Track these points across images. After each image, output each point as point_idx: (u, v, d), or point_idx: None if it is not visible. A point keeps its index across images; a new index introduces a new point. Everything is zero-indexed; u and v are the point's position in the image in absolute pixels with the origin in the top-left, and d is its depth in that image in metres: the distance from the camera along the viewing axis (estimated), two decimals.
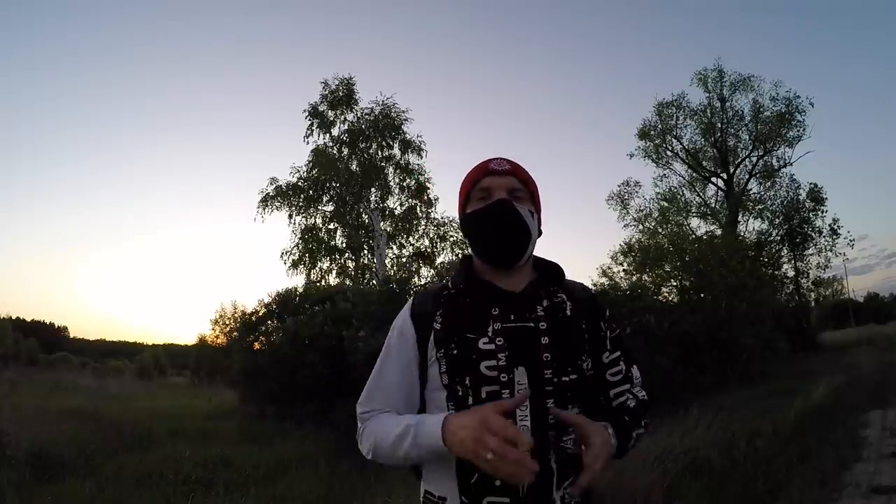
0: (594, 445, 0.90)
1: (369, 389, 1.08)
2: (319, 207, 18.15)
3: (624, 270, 16.51)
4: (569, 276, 1.12)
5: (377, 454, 1.00)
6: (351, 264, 17.88)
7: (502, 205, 1.03)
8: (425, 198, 18.18)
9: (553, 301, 1.06)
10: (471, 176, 1.10)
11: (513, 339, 0.99)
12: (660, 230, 23.20)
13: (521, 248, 1.04)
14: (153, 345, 55.28)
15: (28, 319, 59.39)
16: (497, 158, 1.09)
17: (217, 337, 20.78)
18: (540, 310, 1.03)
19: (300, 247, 17.95)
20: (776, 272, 21.15)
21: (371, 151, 18.05)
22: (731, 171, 23.62)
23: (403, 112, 18.07)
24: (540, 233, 1.11)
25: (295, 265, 17.87)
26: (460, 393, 0.98)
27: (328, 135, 18.12)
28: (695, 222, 24.05)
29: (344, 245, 17.91)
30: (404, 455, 0.95)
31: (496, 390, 0.95)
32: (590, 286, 1.16)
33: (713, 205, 24.29)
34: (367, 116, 18.03)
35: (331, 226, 18.14)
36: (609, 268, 17.82)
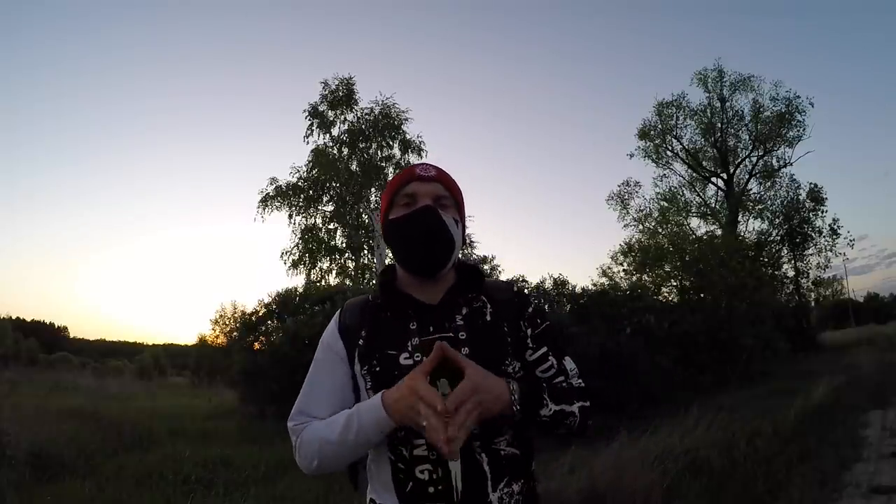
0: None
1: (301, 403, 1.04)
2: (319, 207, 18.16)
3: (624, 270, 16.61)
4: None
5: (324, 455, 0.97)
6: (351, 264, 17.88)
7: (428, 212, 1.00)
8: None
9: (473, 307, 1.03)
10: (396, 181, 1.07)
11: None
12: (660, 230, 23.24)
13: (444, 258, 1.02)
14: (153, 345, 55.20)
15: (28, 319, 59.32)
16: (423, 164, 1.07)
17: (217, 337, 20.75)
18: (459, 319, 1.01)
19: (300, 247, 17.96)
20: (776, 272, 21.19)
21: (371, 151, 18.06)
22: (731, 171, 23.66)
23: (403, 112, 18.10)
24: (464, 241, 1.09)
25: (295, 265, 17.89)
26: None
27: (328, 135, 18.14)
28: (695, 222, 24.16)
29: (344, 245, 17.92)
30: (353, 444, 0.94)
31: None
32: (512, 282, 1.14)
33: (713, 205, 24.35)
34: (366, 116, 18.04)
35: (331, 226, 18.14)
36: (609, 268, 17.93)
